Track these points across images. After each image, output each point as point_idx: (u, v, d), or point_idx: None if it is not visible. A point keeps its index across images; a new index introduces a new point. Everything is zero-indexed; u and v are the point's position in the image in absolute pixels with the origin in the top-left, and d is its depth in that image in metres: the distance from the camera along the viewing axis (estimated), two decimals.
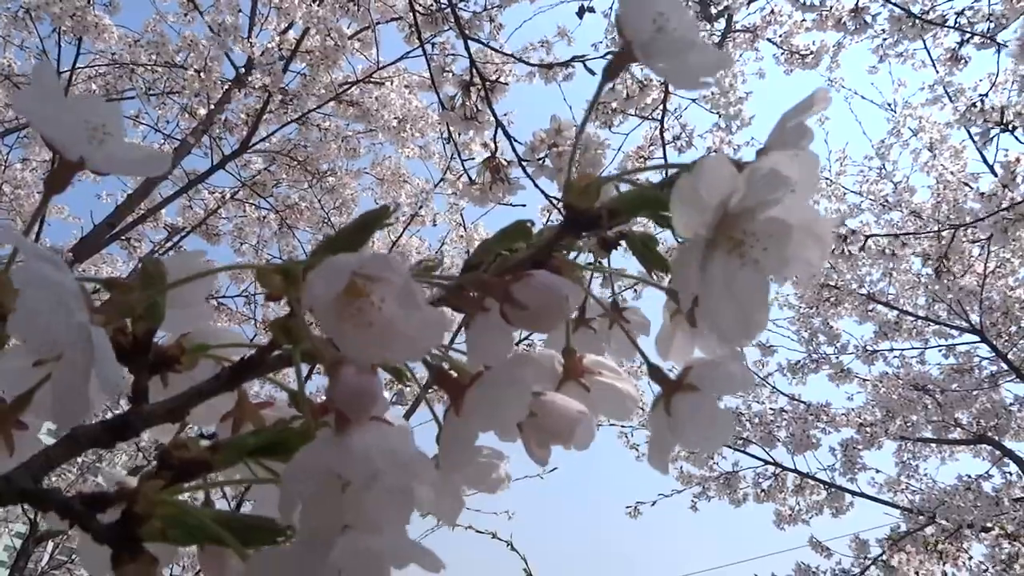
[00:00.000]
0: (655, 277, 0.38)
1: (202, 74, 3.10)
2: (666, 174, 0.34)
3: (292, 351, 0.32)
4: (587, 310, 0.42)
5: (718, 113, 3.60)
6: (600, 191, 0.33)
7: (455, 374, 0.35)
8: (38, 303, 0.27)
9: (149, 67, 3.53)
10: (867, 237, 3.09)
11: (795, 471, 5.17)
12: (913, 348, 5.06)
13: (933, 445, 5.23)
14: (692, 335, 0.36)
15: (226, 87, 3.42)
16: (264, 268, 0.31)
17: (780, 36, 3.69)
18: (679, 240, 0.29)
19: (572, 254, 0.38)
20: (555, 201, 2.10)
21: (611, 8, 3.31)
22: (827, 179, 5.03)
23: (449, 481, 0.35)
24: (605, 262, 0.40)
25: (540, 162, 1.54)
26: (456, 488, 0.36)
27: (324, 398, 0.34)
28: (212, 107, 3.52)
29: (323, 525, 0.27)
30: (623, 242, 0.39)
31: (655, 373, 0.36)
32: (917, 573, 4.30)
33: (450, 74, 1.91)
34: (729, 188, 0.27)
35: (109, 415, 0.34)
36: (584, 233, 0.35)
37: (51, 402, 0.30)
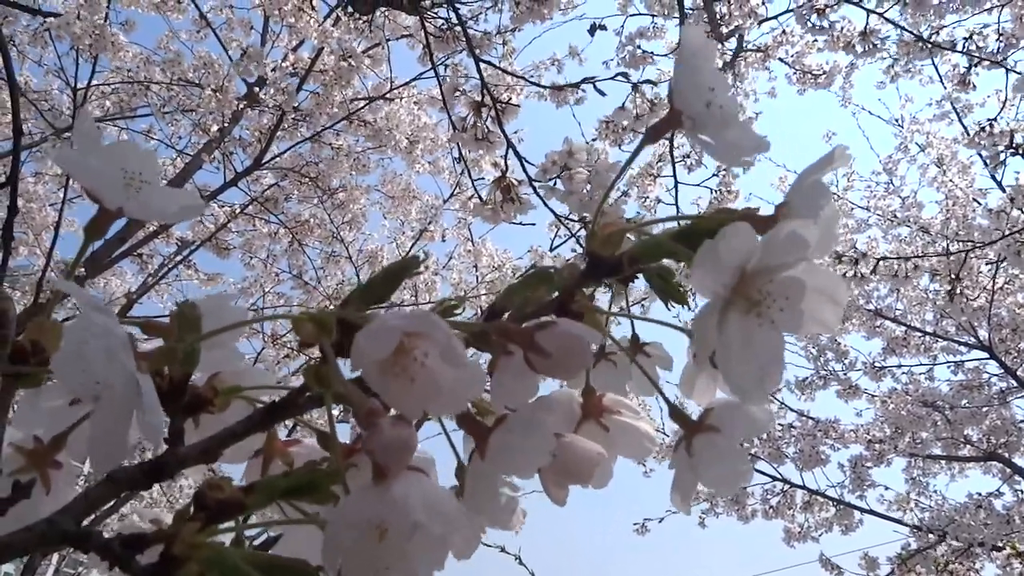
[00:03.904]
0: (671, 309, 0.39)
1: (219, 93, 3.13)
2: (677, 223, 0.36)
3: (324, 396, 0.33)
4: (607, 346, 0.43)
5: None
6: (622, 240, 0.34)
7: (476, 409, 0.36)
8: (93, 350, 0.28)
9: (166, 85, 3.57)
10: (878, 260, 3.09)
11: (804, 488, 5.15)
12: (921, 364, 5.03)
13: (943, 462, 5.19)
14: (715, 376, 0.37)
15: (241, 106, 3.45)
16: (298, 317, 0.32)
17: (792, 56, 3.68)
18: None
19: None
20: (563, 220, 2.12)
21: (622, 26, 3.34)
22: (834, 194, 5.04)
23: (471, 521, 0.36)
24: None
25: (551, 183, 1.56)
26: (477, 527, 0.37)
27: (355, 443, 0.35)
28: (225, 124, 3.56)
29: (364, 571, 0.28)
30: (640, 275, 0.40)
31: (676, 414, 0.36)
32: None
33: (462, 94, 1.93)
34: (749, 252, 0.28)
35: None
36: (605, 279, 0.36)
37: (89, 446, 0.31)
